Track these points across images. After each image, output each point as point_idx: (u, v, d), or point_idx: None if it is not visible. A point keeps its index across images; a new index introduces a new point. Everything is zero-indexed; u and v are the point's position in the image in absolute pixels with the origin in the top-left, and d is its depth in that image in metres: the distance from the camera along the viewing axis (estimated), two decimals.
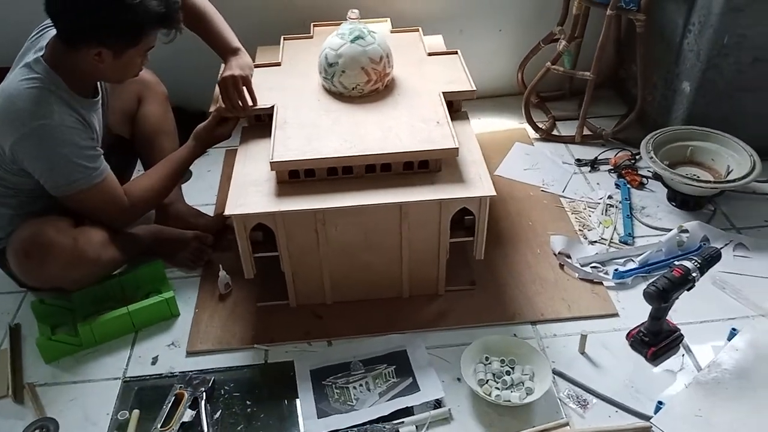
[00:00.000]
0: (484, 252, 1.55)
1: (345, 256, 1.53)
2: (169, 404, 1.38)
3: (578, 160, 2.07)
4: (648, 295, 1.33)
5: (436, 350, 1.49)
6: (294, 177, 1.48)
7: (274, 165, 1.44)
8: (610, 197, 1.91)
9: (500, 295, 1.62)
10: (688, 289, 1.34)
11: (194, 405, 1.39)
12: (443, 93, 1.65)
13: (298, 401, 1.39)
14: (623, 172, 1.97)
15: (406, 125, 1.54)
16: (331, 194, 1.44)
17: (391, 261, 1.54)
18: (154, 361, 1.51)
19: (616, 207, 1.87)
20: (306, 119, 1.59)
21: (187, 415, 1.36)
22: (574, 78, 2.16)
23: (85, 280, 1.56)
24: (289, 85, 1.73)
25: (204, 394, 1.40)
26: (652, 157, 1.78)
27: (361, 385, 1.42)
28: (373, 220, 1.47)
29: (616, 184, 1.95)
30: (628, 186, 1.93)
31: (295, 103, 1.65)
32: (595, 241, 1.75)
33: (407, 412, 1.35)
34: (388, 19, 2.04)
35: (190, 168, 2.01)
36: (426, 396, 1.38)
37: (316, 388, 1.42)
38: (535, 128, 2.19)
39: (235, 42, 1.68)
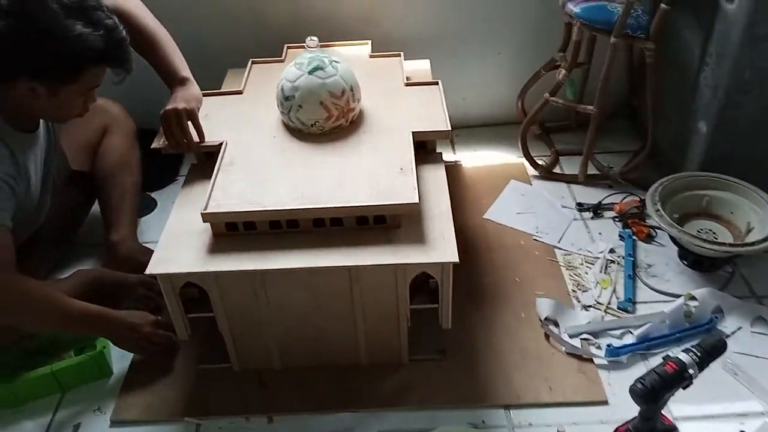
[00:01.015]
0: (461, 312, 1.37)
1: (292, 319, 1.34)
2: None
3: (579, 204, 1.83)
4: (634, 394, 1.10)
5: None
6: (232, 229, 1.29)
7: (206, 216, 1.26)
8: (611, 251, 1.67)
9: (473, 367, 1.40)
10: (684, 388, 1.11)
11: None
12: (414, 132, 1.45)
13: None
14: (629, 221, 1.74)
15: (365, 172, 1.34)
16: (272, 252, 1.25)
17: (344, 326, 1.35)
18: (76, 428, 1.35)
19: (618, 263, 1.63)
20: (256, 159, 1.41)
21: None
22: None
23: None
24: (248, 118, 1.55)
25: None
26: (658, 210, 1.54)
27: None
28: (320, 282, 1.27)
29: (620, 235, 1.72)
30: (634, 238, 1.70)
31: (248, 139, 1.47)
32: (590, 306, 1.52)
33: None
34: (369, 42, 1.85)
35: (154, 197, 1.85)
36: None
37: None
38: (534, 164, 1.97)
39: (184, 71, 1.51)
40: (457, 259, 1.21)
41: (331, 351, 1.40)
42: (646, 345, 1.40)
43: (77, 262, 1.73)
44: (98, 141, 1.71)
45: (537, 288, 1.58)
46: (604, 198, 1.84)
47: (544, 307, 1.50)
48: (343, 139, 1.46)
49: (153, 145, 1.45)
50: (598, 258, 1.65)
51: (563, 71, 1.80)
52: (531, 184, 1.94)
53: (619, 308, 1.51)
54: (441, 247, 1.24)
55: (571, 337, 1.44)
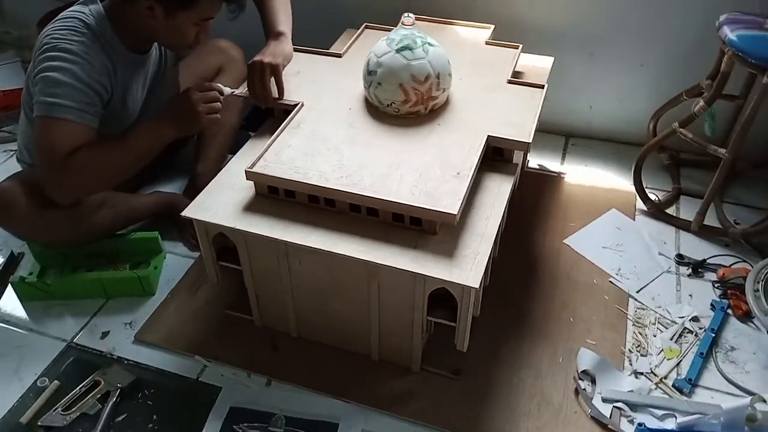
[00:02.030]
0: (494, 337, 1.33)
1: (312, 295, 1.33)
2: (84, 389, 1.32)
3: (680, 256, 1.60)
4: None
5: None
6: (273, 193, 1.29)
7: (249, 174, 1.26)
8: (695, 319, 1.44)
9: (483, 398, 1.30)
10: None
11: (105, 398, 1.31)
12: (489, 137, 1.33)
13: None
14: (729, 291, 1.48)
15: (419, 167, 1.26)
16: (302, 225, 1.23)
17: (360, 317, 1.31)
18: (104, 335, 1.46)
19: (696, 335, 1.41)
20: (322, 128, 1.38)
21: (93, 407, 1.29)
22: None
23: (59, 242, 1.52)
24: (335, 84, 1.52)
25: (119, 391, 1.31)
26: (757, 291, 1.29)
27: None
28: (340, 268, 1.24)
29: (712, 304, 1.48)
30: (728, 311, 1.45)
31: (325, 105, 1.45)
32: (641, 373, 1.34)
33: None
34: (491, 27, 1.72)
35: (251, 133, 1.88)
36: None
37: (224, 430, 1.25)
38: (644, 197, 1.74)
39: (282, 26, 1.51)
40: (477, 285, 1.10)
41: (345, 336, 1.37)
42: None
43: (167, 183, 1.84)
44: (211, 78, 1.77)
45: (590, 336, 1.41)
46: (712, 256, 1.58)
47: (587, 358, 1.34)
48: (415, 126, 1.38)
49: (236, 92, 1.47)
50: (676, 323, 1.44)
51: (701, 102, 1.55)
52: (633, 219, 1.72)
53: (674, 386, 1.31)
54: (468, 267, 1.14)
55: (603, 401, 1.28)
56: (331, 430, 1.25)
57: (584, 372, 1.33)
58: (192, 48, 1.45)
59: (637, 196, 1.75)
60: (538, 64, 1.71)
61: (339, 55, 1.62)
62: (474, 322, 1.25)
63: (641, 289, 1.52)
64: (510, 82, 1.51)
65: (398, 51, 1.36)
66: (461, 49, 1.63)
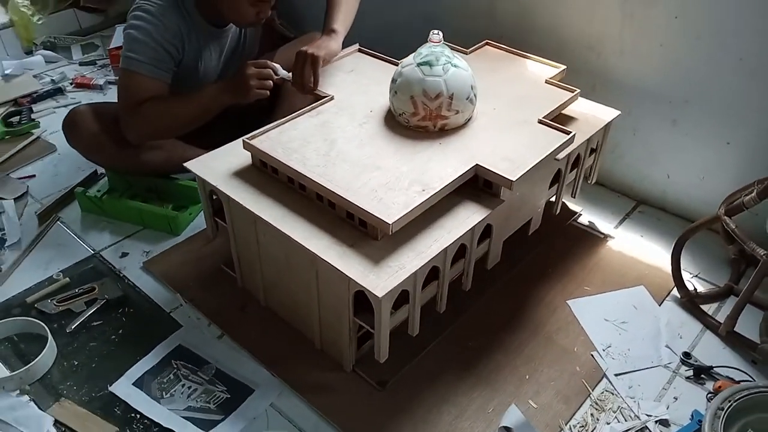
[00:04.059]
0: (437, 366, 1.36)
1: (273, 268, 1.42)
2: (81, 291, 1.54)
3: (687, 354, 1.41)
4: None
5: (276, 411, 1.30)
6: (264, 166, 1.40)
7: (245, 144, 1.38)
8: (663, 423, 1.28)
9: (392, 418, 1.28)
10: None
11: (92, 303, 1.52)
12: (478, 165, 1.31)
13: (141, 361, 1.39)
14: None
15: (392, 176, 1.28)
16: (272, 201, 1.32)
17: (307, 301, 1.36)
18: (123, 255, 1.68)
19: None
20: (335, 120, 1.46)
21: (79, 307, 1.51)
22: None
23: (108, 166, 1.78)
24: (375, 87, 1.58)
25: (105, 301, 1.52)
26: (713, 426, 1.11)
27: (190, 387, 1.35)
28: (291, 247, 1.29)
29: (692, 415, 1.29)
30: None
31: (351, 104, 1.52)
32: None
33: None
34: (562, 68, 1.65)
35: None
36: None
37: (162, 362, 1.39)
38: (679, 283, 1.55)
39: (336, 24, 1.62)
40: (380, 295, 1.11)
41: (297, 317, 1.44)
42: None
43: None
44: None
45: (536, 399, 1.32)
46: (722, 366, 1.38)
47: (513, 416, 1.26)
48: (417, 140, 1.40)
49: (286, 76, 1.60)
50: (639, 418, 1.29)
51: (753, 193, 1.36)
52: (659, 304, 1.55)
53: None
54: (386, 277, 1.15)
55: None
56: (247, 393, 1.33)
57: (505, 428, 1.25)
58: (254, 26, 1.61)
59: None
60: (598, 114, 1.61)
61: (396, 64, 1.68)
62: (424, 345, 1.29)
63: (623, 373, 1.38)
64: (540, 122, 1.46)
65: (419, 65, 1.39)
66: (515, 82, 1.60)
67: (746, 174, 1.60)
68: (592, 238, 1.75)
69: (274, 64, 1.56)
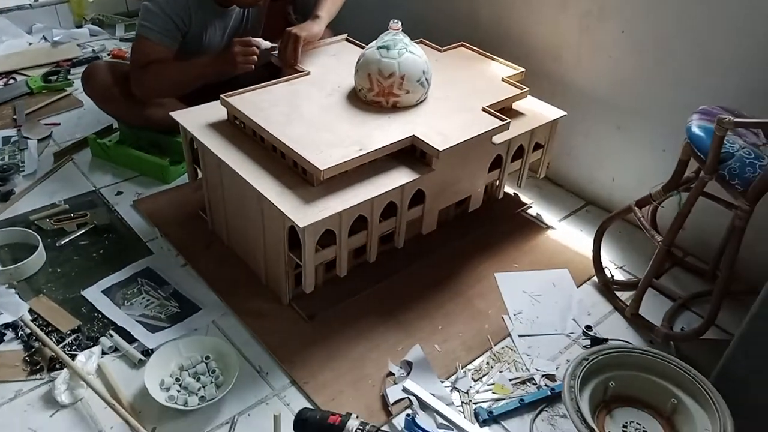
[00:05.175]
0: (363, 307, 1.56)
1: (233, 210, 1.63)
2: (75, 216, 1.80)
3: (588, 327, 1.56)
4: (297, 415, 1.10)
5: (216, 327, 1.51)
6: (236, 119, 1.62)
7: (222, 101, 1.62)
8: (549, 377, 1.44)
9: (313, 345, 1.48)
10: None
11: (83, 226, 1.77)
12: (414, 136, 1.51)
13: (112, 275, 1.63)
14: None
15: (338, 137, 1.50)
16: (236, 149, 1.54)
17: (255, 240, 1.57)
18: (118, 194, 1.93)
19: (539, 388, 1.41)
20: (304, 90, 1.68)
21: (70, 227, 1.76)
22: None
23: (117, 117, 2.05)
24: (350, 69, 1.79)
25: (93, 225, 1.77)
26: (572, 389, 1.24)
27: (148, 300, 1.57)
28: (245, 188, 1.51)
29: None
30: None
31: (324, 79, 1.74)
32: (457, 389, 1.39)
33: (128, 335, 1.47)
34: (521, 70, 1.84)
35: None
36: (147, 341, 1.45)
37: (130, 278, 1.63)
38: (597, 268, 1.71)
39: (322, 11, 1.86)
40: (302, 226, 1.31)
41: (250, 255, 1.65)
42: None
43: None
44: None
45: (442, 345, 1.49)
46: (615, 339, 1.53)
47: (415, 353, 1.44)
48: (371, 113, 1.60)
49: (269, 48, 1.84)
50: (528, 371, 1.45)
51: (659, 187, 1.52)
52: (577, 285, 1.70)
53: (474, 411, 1.35)
54: (310, 213, 1.35)
55: (403, 391, 1.37)
56: (195, 310, 1.55)
57: (406, 362, 1.43)
58: (252, 5, 1.85)
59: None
60: (545, 112, 1.79)
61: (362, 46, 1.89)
62: (355, 293, 1.52)
63: (526, 335, 1.54)
64: (483, 110, 1.65)
65: (378, 48, 1.60)
66: (474, 78, 1.79)
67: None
68: (534, 226, 1.92)
69: (258, 40, 1.80)
